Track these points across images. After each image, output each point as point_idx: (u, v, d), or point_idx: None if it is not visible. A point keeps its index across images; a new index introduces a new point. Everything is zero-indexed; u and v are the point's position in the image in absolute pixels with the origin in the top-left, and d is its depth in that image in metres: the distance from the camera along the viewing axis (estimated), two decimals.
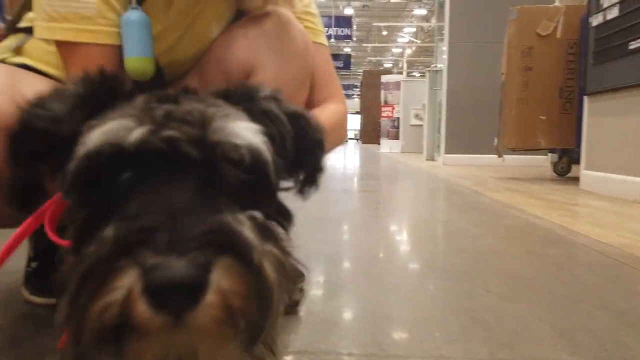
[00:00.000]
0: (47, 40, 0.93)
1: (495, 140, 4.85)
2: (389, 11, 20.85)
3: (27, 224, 0.62)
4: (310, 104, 1.11)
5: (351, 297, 1.23)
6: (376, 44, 23.42)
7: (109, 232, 0.41)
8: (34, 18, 0.89)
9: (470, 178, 4.76)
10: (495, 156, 4.94)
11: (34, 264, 1.14)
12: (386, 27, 20.99)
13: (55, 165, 0.52)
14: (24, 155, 0.53)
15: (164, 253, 0.37)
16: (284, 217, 0.57)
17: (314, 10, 1.16)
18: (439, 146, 7.44)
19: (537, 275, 1.45)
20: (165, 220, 0.39)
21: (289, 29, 1.00)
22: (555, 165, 4.87)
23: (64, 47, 0.89)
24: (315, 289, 1.28)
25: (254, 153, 0.48)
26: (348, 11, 18.86)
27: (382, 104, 13.32)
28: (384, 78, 13.85)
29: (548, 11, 4.46)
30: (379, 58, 27.45)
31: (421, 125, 9.52)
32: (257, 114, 0.55)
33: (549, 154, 5.11)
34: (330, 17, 17.07)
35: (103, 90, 0.54)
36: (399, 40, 22.32)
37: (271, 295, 0.42)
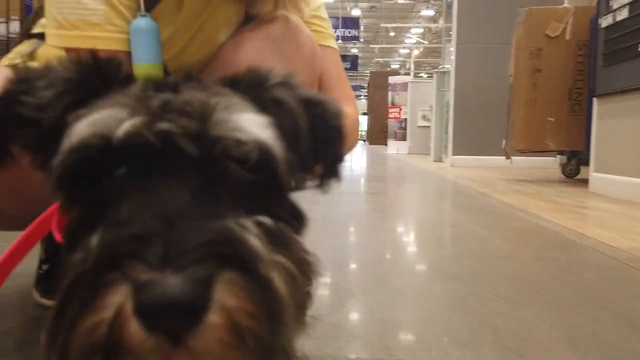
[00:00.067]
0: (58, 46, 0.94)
1: (504, 141, 4.83)
2: (396, 12, 20.83)
3: (33, 228, 0.60)
4: None
5: (358, 300, 1.23)
6: (383, 45, 23.39)
7: (95, 240, 0.37)
8: (45, 25, 0.90)
9: (478, 180, 4.74)
10: (503, 158, 4.92)
11: (45, 267, 1.15)
12: (393, 28, 20.96)
13: (43, 156, 0.47)
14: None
15: (158, 268, 0.33)
16: (297, 219, 0.51)
17: (323, 14, 1.16)
18: (446, 147, 7.41)
19: (545, 279, 1.44)
20: (159, 228, 0.35)
21: (296, 34, 1.00)
22: (564, 167, 4.84)
23: (74, 54, 0.90)
24: (322, 291, 1.28)
25: (262, 149, 0.43)
26: (355, 12, 18.86)
27: (390, 105, 13.30)
28: (392, 79, 13.84)
29: (557, 12, 4.44)
30: (386, 59, 27.42)
31: (428, 127, 9.50)
32: (267, 103, 0.49)
33: (558, 156, 5.08)
34: (337, 18, 17.08)
35: (95, 74, 0.49)
36: (407, 41, 22.29)
37: (283, 311, 0.37)
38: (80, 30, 0.87)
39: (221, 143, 0.41)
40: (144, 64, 0.89)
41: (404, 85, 12.48)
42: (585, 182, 3.93)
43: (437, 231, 2.34)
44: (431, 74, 11.86)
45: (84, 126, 0.42)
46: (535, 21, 4.41)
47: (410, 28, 21.09)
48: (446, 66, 8.58)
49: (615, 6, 3.38)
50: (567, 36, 4.36)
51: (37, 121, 0.47)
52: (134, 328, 0.33)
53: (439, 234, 2.26)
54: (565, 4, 5.05)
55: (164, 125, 0.40)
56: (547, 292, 1.32)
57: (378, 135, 17.04)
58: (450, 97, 7.11)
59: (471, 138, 6.78)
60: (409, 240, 2.15)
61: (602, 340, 0.99)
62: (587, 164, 4.01)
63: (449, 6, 8.90)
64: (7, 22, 3.37)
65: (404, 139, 12.04)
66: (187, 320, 0.33)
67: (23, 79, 0.48)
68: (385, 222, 2.54)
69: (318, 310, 1.11)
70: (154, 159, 0.40)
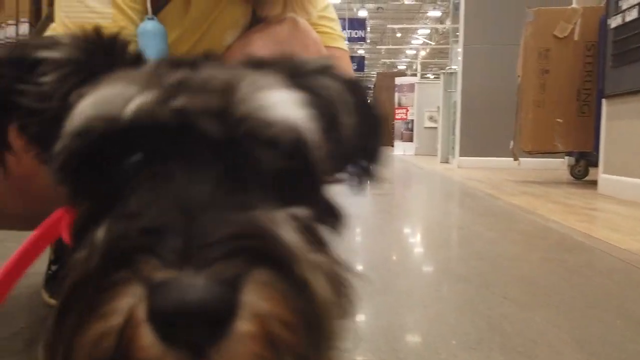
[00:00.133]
0: None
1: (511, 143, 4.81)
2: (402, 13, 20.80)
3: (41, 232, 0.56)
4: None
5: (365, 302, 1.22)
6: (390, 46, 23.37)
7: (101, 233, 0.32)
8: (54, 28, 0.91)
9: (485, 181, 4.72)
10: (511, 159, 4.90)
11: (54, 267, 1.16)
12: (400, 29, 20.94)
13: (45, 142, 0.42)
14: None
15: (176, 265, 0.27)
16: (333, 216, 0.44)
17: (331, 14, 1.16)
18: (453, 149, 7.39)
19: (554, 282, 1.43)
20: (176, 219, 0.30)
21: (302, 37, 1.01)
22: (572, 169, 4.81)
23: None
24: None
25: (293, 131, 0.36)
26: (362, 13, 18.86)
27: (396, 106, 13.28)
28: (398, 80, 13.82)
29: (565, 13, 4.42)
30: (392, 60, 27.40)
31: (435, 128, 9.47)
32: (303, 89, 0.42)
33: (566, 157, 5.05)
34: (344, 19, 17.08)
35: (101, 52, 0.43)
36: (413, 42, 22.26)
37: (324, 321, 0.31)
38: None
39: (247, 123, 0.35)
40: None
41: (411, 87, 12.46)
42: (594, 183, 3.90)
43: (444, 232, 2.33)
44: (438, 75, 11.84)
45: (88, 106, 0.36)
46: (543, 22, 4.39)
47: (417, 29, 21.05)
48: (453, 67, 8.56)
49: (624, 7, 3.36)
50: (576, 37, 4.33)
51: (39, 111, 0.42)
52: (148, 339, 0.27)
53: (446, 236, 2.25)
54: (574, 5, 5.02)
55: (180, 102, 0.34)
56: (555, 294, 1.31)
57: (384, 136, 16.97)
58: (458, 98, 7.09)
59: (478, 139, 6.75)
60: (416, 241, 2.14)
61: (610, 342, 0.98)
62: (595, 165, 3.98)
63: (456, 7, 8.88)
64: (16, 25, 3.40)
65: (410, 140, 12.02)
66: (211, 330, 0.27)
67: (19, 62, 0.43)
68: (392, 224, 2.53)
69: None
70: (170, 143, 0.34)
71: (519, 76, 4.59)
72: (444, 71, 8.78)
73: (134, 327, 0.28)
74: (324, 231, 0.40)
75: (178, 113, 0.34)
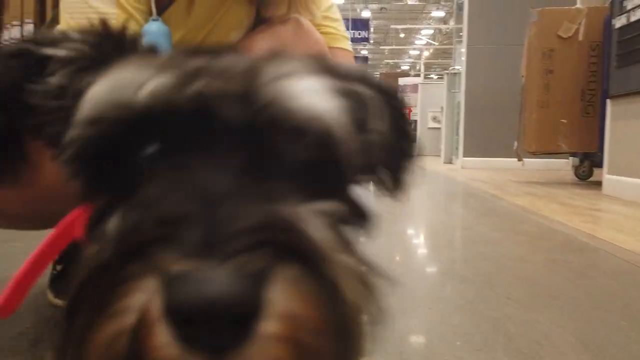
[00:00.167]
0: None
1: (515, 143, 4.80)
2: (406, 13, 20.78)
3: (56, 235, 0.53)
4: None
5: None
6: (393, 47, 23.35)
7: (113, 224, 0.30)
8: (61, 29, 0.92)
9: (489, 182, 4.71)
10: (515, 159, 4.88)
11: (59, 267, 1.17)
12: (403, 30, 20.92)
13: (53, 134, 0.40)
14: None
15: (195, 257, 0.25)
16: (361, 216, 0.42)
17: (334, 14, 1.16)
18: (457, 149, 7.38)
19: (559, 283, 1.43)
20: (196, 209, 0.27)
21: (305, 37, 1.01)
22: (576, 169, 4.79)
23: None
24: None
25: (322, 122, 0.34)
26: (365, 14, 18.86)
27: None
28: (402, 80, 13.80)
29: (569, 13, 4.40)
30: (396, 60, 27.37)
31: (439, 128, 9.45)
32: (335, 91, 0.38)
33: (570, 158, 5.03)
34: (347, 20, 17.09)
35: (112, 46, 0.42)
36: (417, 42, 22.24)
37: (353, 327, 0.29)
38: None
39: (271, 109, 0.32)
40: None
41: (414, 87, 12.45)
42: (598, 184, 3.88)
43: (447, 233, 2.33)
44: (442, 75, 11.82)
45: (99, 92, 0.34)
46: (547, 22, 4.38)
47: (420, 29, 21.03)
48: (457, 67, 8.54)
49: (629, 7, 3.34)
50: (580, 37, 4.32)
51: (53, 109, 0.40)
52: (163, 339, 0.25)
53: (450, 236, 2.25)
54: (578, 5, 5.01)
55: (199, 86, 0.32)
56: (560, 295, 1.31)
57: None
58: (461, 98, 7.08)
59: (482, 140, 6.74)
60: (419, 242, 2.14)
61: (616, 343, 0.98)
62: (600, 166, 3.96)
63: (460, 7, 8.86)
64: (21, 25, 3.41)
65: None
66: (233, 330, 0.25)
67: (26, 59, 0.41)
68: (395, 224, 2.53)
69: None
70: (188, 131, 0.32)
71: (522, 76, 4.58)
72: (447, 71, 8.76)
73: (148, 325, 0.25)
74: (352, 231, 0.38)
75: (196, 98, 0.32)
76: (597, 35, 4.26)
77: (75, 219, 0.50)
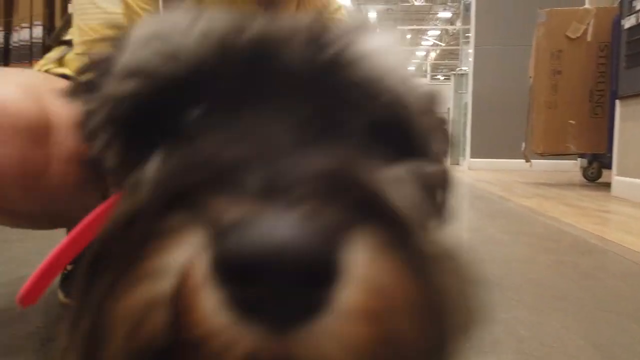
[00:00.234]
0: None
1: (523, 144, 4.77)
2: (412, 14, 20.75)
3: (80, 231, 0.53)
4: None
5: None
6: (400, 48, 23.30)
7: (150, 170, 0.25)
8: (73, 32, 0.93)
9: (496, 183, 4.69)
10: (522, 161, 4.86)
11: (69, 267, 1.17)
12: (410, 31, 20.88)
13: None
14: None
15: (257, 199, 0.19)
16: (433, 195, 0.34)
17: (344, 16, 1.16)
18: (464, 150, 7.35)
19: (568, 285, 1.42)
20: (254, 153, 0.22)
21: None
22: (585, 171, 4.76)
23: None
24: None
25: (398, 85, 0.29)
26: (371, 15, 18.85)
27: None
28: None
29: (578, 13, 4.38)
30: None
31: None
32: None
33: (579, 159, 5.00)
34: None
35: None
36: (423, 43, 22.19)
37: (456, 316, 0.23)
38: (98, 34, 0.89)
39: (340, 60, 0.28)
40: None
41: None
42: (607, 185, 3.86)
43: (455, 235, 2.32)
44: (448, 76, 11.79)
45: (141, 39, 0.28)
46: (556, 22, 4.36)
47: (427, 30, 20.99)
48: (464, 68, 8.52)
49: (638, 7, 3.32)
50: (589, 37, 4.30)
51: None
52: (212, 307, 0.18)
53: (457, 238, 2.24)
54: (587, 5, 4.98)
55: (259, 27, 0.27)
56: (568, 297, 1.30)
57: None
58: (468, 99, 7.05)
59: (489, 141, 6.71)
60: None
61: (629, 349, 0.97)
62: (608, 167, 3.93)
63: (467, 8, 8.84)
64: (30, 28, 3.44)
65: None
66: (305, 297, 0.18)
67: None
68: None
69: None
70: (244, 81, 0.26)
71: (530, 77, 4.56)
72: (454, 72, 8.74)
73: (192, 291, 0.18)
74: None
75: (258, 40, 0.27)
76: (606, 35, 4.23)
77: (102, 213, 0.47)
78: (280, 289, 0.18)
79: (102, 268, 0.21)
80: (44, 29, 3.54)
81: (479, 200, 3.62)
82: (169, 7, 0.97)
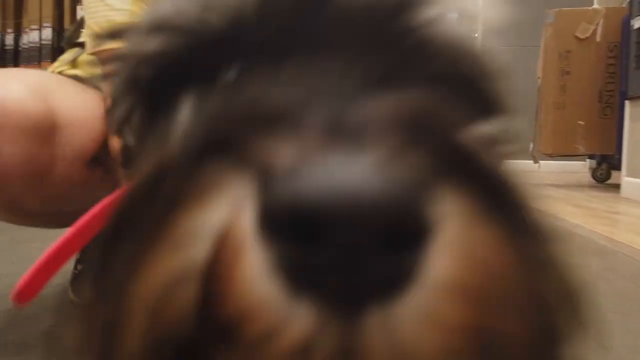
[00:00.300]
0: None
1: (531, 145, 4.75)
2: None
3: (81, 226, 0.51)
4: None
5: None
6: None
7: (181, 119, 0.21)
8: (85, 33, 0.94)
9: None
10: (531, 162, 4.84)
11: (80, 267, 1.18)
12: None
13: None
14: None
15: (319, 139, 0.15)
16: None
17: None
18: None
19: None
20: (312, 94, 0.17)
21: None
22: (594, 172, 4.73)
23: (105, 55, 0.94)
24: None
25: (473, 49, 0.26)
26: None
27: None
28: None
29: (587, 14, 4.35)
30: None
31: None
32: None
33: (587, 160, 4.97)
34: None
35: None
36: None
37: (567, 310, 0.19)
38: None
39: (408, 4, 0.24)
40: None
41: None
42: (616, 187, 3.83)
43: None
44: None
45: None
46: (564, 23, 4.34)
47: None
48: None
49: None
50: (598, 38, 4.27)
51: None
52: (256, 277, 0.13)
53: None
54: (596, 5, 4.95)
55: None
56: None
57: None
58: None
59: None
60: None
61: (635, 348, 0.96)
62: (618, 168, 3.91)
63: None
64: (39, 29, 3.47)
65: None
66: (384, 263, 0.13)
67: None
68: None
69: None
70: (292, 32, 0.22)
71: (539, 78, 4.54)
72: None
73: (232, 254, 0.14)
74: None
75: None
76: (615, 36, 4.21)
77: (104, 208, 0.42)
78: (350, 252, 0.13)
79: (122, 241, 0.16)
80: (53, 31, 3.57)
81: None
82: None
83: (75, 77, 1.01)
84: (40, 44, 3.45)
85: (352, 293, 0.13)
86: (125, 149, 0.28)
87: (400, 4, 0.24)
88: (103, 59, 0.98)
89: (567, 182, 4.90)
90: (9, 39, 3.50)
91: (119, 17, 0.90)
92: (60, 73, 1.03)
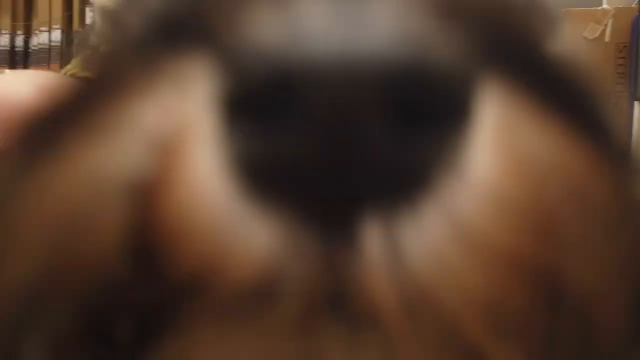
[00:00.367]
0: None
1: None
2: None
3: None
4: None
5: None
6: None
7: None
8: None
9: None
10: None
11: None
12: None
13: None
14: None
15: None
16: None
17: None
18: None
19: None
20: None
21: None
22: None
23: None
24: None
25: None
26: None
27: None
28: None
29: (595, 14, 4.31)
30: None
31: None
32: None
33: None
34: None
35: None
36: None
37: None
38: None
39: None
40: None
41: None
42: None
43: None
44: None
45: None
46: (572, 23, 4.30)
47: None
48: None
49: None
50: (607, 38, 4.23)
51: None
52: (208, 179, 0.09)
53: None
54: (604, 5, 4.91)
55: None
56: None
57: None
58: None
59: None
60: None
61: None
62: None
63: None
64: (49, 31, 3.51)
65: None
66: (412, 149, 0.09)
67: None
68: None
69: None
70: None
71: None
72: None
73: (179, 154, 0.10)
74: None
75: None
76: (625, 36, 4.16)
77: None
78: (346, 130, 0.09)
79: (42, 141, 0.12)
80: (62, 32, 3.62)
81: None
82: None
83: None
84: (50, 46, 3.48)
85: (348, 197, 0.09)
86: None
87: None
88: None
89: None
90: (19, 41, 3.54)
91: None
92: (72, 75, 1.04)
